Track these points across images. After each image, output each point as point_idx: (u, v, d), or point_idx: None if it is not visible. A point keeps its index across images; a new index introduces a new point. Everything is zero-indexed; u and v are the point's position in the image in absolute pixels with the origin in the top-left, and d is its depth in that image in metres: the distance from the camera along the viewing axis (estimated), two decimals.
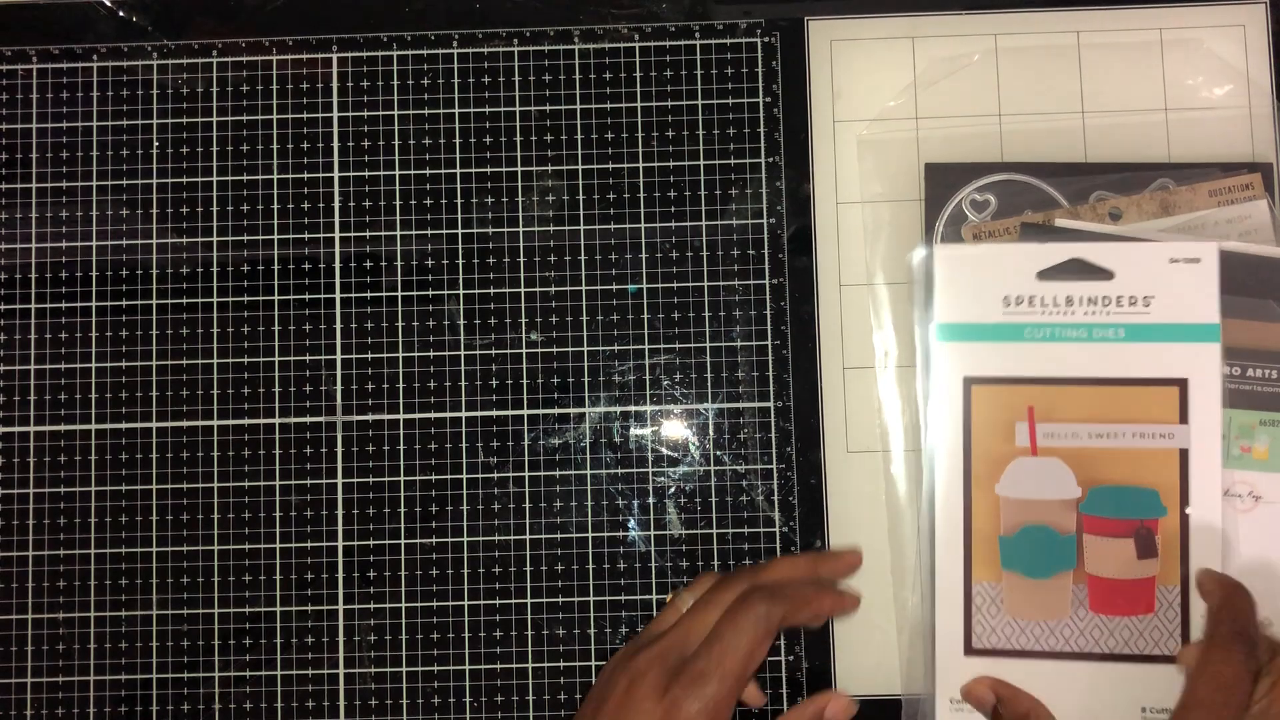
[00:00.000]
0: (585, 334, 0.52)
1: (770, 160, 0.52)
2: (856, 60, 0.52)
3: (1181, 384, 0.43)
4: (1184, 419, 0.43)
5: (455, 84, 0.53)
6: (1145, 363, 0.43)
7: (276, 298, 0.52)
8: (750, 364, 0.51)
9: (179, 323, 0.52)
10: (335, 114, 0.53)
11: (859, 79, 0.52)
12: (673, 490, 0.51)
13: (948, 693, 0.43)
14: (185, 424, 0.52)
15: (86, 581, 0.51)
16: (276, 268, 0.52)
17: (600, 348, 0.52)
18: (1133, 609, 0.43)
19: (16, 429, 0.52)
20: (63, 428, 0.52)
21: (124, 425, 0.52)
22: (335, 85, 0.53)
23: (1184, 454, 0.43)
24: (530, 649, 0.50)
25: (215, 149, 0.53)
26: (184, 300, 0.52)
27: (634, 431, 0.51)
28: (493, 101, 0.53)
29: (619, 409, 0.51)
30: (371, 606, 0.51)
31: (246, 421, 0.51)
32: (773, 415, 0.51)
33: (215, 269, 0.52)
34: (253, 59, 0.53)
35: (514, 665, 0.50)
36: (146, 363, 0.52)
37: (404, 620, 0.51)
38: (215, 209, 0.52)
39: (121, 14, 0.53)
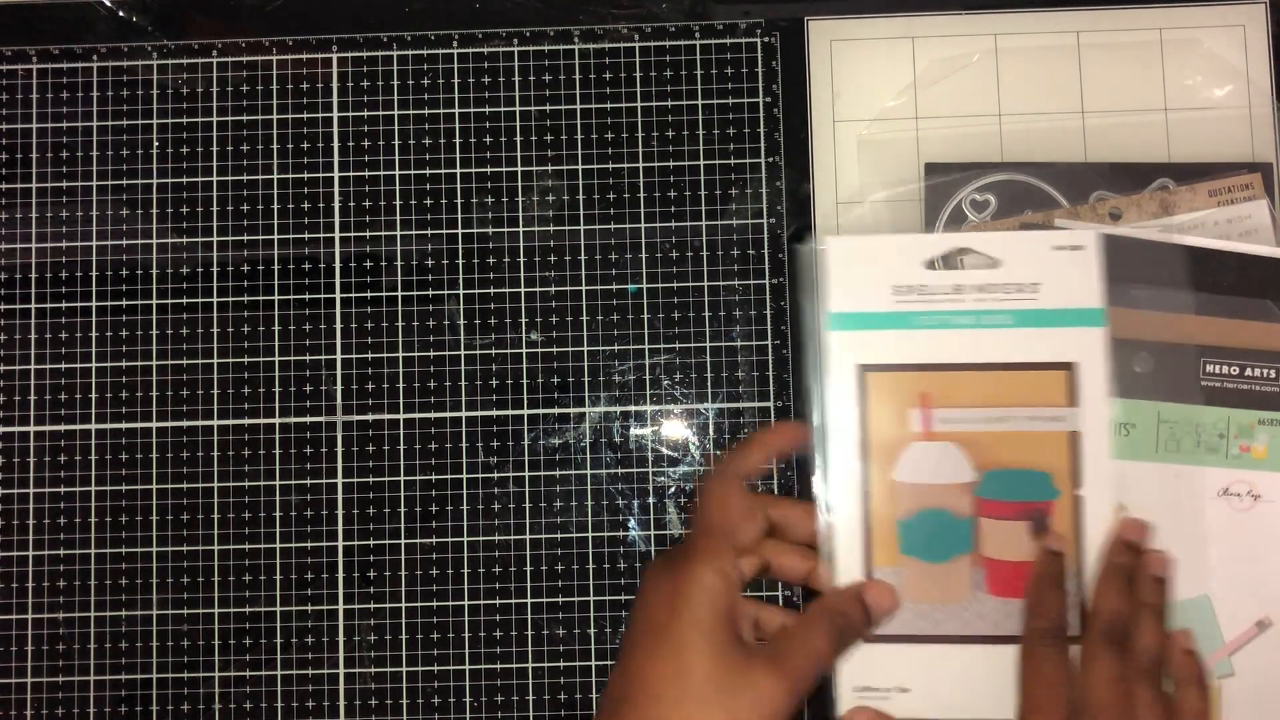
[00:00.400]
0: (585, 334, 0.52)
1: (770, 160, 0.52)
2: (856, 60, 0.52)
3: (1069, 368, 0.44)
4: (1073, 402, 0.43)
5: (455, 84, 0.53)
6: (1034, 347, 0.44)
7: (276, 298, 0.52)
8: (750, 364, 0.51)
9: (179, 323, 0.52)
10: (335, 114, 0.53)
11: (859, 79, 0.52)
12: (673, 490, 0.51)
13: (851, 680, 0.43)
14: (185, 424, 0.52)
15: (86, 581, 0.51)
16: (276, 268, 0.52)
17: (600, 348, 0.52)
18: None
19: (16, 429, 0.52)
20: (63, 428, 0.52)
21: (124, 425, 0.52)
22: (335, 85, 0.53)
23: (1074, 436, 0.43)
24: (530, 649, 0.50)
25: (215, 149, 0.53)
26: (184, 300, 0.52)
27: (634, 431, 0.51)
28: (493, 101, 0.53)
29: (619, 409, 0.51)
30: (371, 606, 0.51)
31: (246, 421, 0.51)
32: (773, 415, 0.51)
33: (215, 269, 0.52)
34: (253, 59, 0.53)
35: (514, 665, 0.50)
36: (146, 363, 0.52)
37: (404, 620, 0.51)
38: (215, 209, 0.52)
39: (121, 14, 0.53)
